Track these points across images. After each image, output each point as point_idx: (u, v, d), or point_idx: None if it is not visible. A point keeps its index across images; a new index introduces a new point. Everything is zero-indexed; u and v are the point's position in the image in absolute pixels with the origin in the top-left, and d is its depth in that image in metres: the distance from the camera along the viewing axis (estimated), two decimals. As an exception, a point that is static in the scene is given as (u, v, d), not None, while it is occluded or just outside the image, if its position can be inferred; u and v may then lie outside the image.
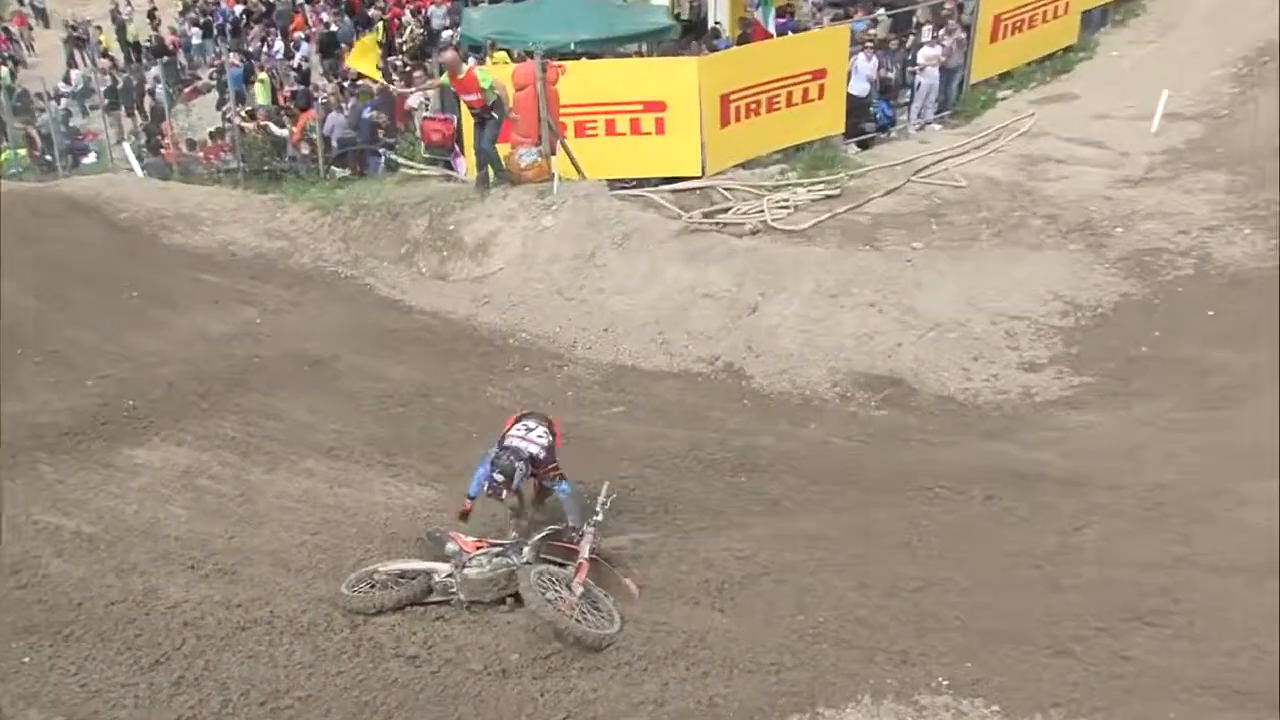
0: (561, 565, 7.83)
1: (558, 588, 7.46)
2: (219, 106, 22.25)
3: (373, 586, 7.86)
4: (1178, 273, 13.13)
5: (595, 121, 15.32)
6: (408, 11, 20.85)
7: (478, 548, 7.97)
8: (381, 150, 16.65)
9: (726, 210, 15.07)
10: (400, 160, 16.52)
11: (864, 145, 17.19)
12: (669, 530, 9.09)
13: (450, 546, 7.98)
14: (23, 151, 21.08)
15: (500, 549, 7.91)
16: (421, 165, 16.43)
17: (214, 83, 24.35)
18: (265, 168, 17.16)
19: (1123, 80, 18.37)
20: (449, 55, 14.68)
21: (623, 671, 7.02)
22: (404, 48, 19.87)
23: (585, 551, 7.76)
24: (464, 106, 14.81)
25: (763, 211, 14.91)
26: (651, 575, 8.19)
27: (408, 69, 18.17)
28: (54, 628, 7.24)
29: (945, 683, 6.49)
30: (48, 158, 21.16)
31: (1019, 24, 18.48)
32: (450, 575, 7.84)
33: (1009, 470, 9.73)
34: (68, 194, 16.18)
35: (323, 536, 8.82)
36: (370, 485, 9.72)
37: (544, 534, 7.99)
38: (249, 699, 6.66)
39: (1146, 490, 8.86)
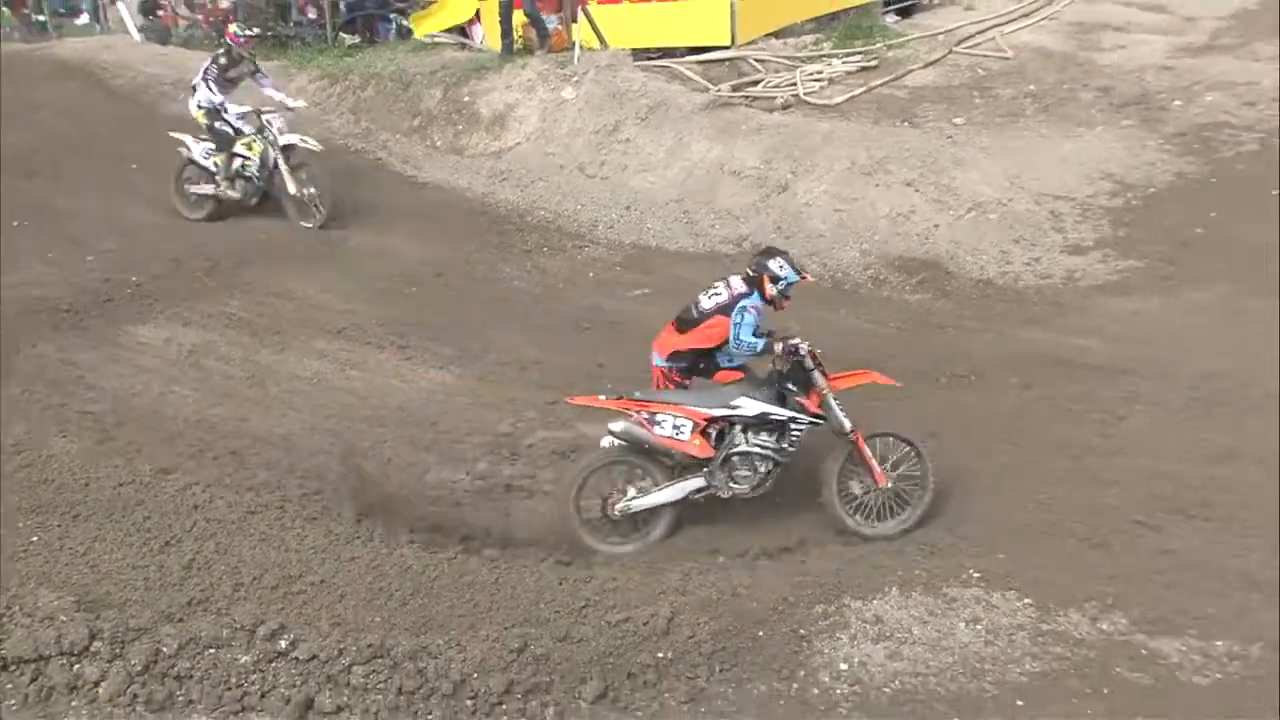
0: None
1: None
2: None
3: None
4: (1240, 149, 13.22)
5: (619, -14, 15.28)
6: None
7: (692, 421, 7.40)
8: (393, 16, 16.50)
9: (757, 83, 15.11)
10: (412, 27, 16.45)
11: (904, 13, 17.21)
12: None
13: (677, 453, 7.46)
14: (8, 11, 20.81)
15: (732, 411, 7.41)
16: (435, 33, 16.38)
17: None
18: (270, 33, 16.85)
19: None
20: None
21: (645, 560, 7.15)
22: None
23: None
24: None
25: (795, 85, 14.96)
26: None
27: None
28: (62, 508, 7.30)
29: (976, 575, 6.58)
30: (37, 18, 20.83)
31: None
32: (713, 483, 7.52)
33: (1049, 357, 9.78)
34: (60, 57, 16.12)
35: (335, 420, 8.88)
36: (383, 367, 9.77)
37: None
38: (261, 582, 6.72)
39: (1195, 380, 8.96)
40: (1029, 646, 6.10)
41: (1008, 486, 7.71)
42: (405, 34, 16.28)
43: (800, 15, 16.29)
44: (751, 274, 7.56)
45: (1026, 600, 6.37)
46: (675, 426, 7.39)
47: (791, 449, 7.48)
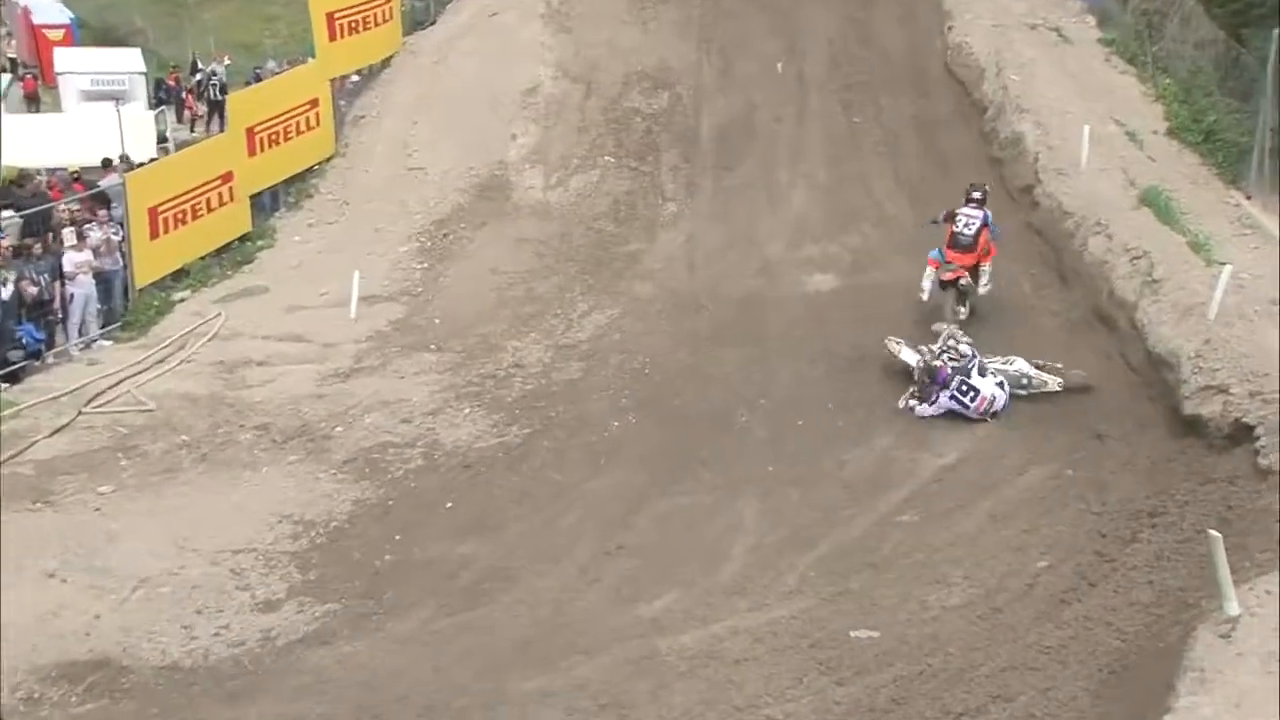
0: None
1: None
2: None
3: None
4: (408, 466, 13.00)
5: None
6: None
7: None
8: None
9: None
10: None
11: (12, 379, 14.88)
12: None
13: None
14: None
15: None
16: None
17: None
18: None
19: (311, 266, 18.03)
20: None
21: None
22: None
23: None
24: None
25: (-119, 495, 12.09)
26: None
27: None
28: None
29: None
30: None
31: (180, 216, 17.32)
32: None
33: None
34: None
35: None
36: None
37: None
38: None
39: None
40: None
41: None
42: None
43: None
44: (982, 198, 13.83)
45: None
46: None
47: None
